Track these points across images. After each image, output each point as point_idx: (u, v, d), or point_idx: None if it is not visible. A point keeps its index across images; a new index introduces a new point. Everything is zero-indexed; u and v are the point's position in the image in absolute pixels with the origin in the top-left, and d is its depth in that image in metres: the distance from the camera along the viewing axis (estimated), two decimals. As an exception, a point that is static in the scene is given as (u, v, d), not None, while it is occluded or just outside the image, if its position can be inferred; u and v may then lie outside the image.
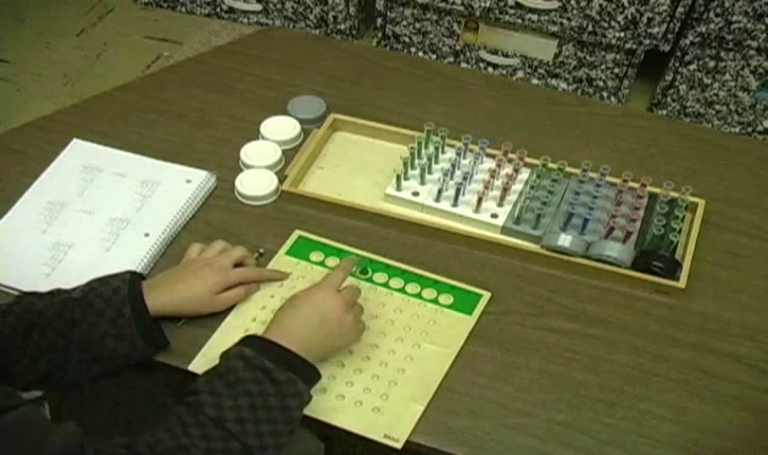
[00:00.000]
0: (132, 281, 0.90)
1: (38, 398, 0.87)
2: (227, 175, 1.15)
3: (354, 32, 2.44)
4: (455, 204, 1.10)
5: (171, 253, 1.05)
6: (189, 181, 1.13)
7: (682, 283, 1.02)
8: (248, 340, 0.84)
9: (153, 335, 0.89)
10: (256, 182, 1.13)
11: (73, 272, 1.00)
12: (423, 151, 1.16)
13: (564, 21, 2.13)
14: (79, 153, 1.18)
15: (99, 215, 1.09)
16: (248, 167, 1.16)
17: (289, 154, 1.19)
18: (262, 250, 1.05)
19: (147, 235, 1.06)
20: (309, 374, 0.84)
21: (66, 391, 0.91)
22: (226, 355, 0.83)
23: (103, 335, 0.86)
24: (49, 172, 1.15)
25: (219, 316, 0.97)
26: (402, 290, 1.02)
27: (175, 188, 1.12)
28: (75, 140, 1.20)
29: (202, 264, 0.96)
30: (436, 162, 1.16)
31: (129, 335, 0.87)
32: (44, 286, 0.92)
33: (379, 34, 2.38)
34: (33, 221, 1.08)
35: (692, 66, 2.12)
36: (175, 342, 0.94)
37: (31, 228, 1.07)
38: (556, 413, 0.90)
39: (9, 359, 0.84)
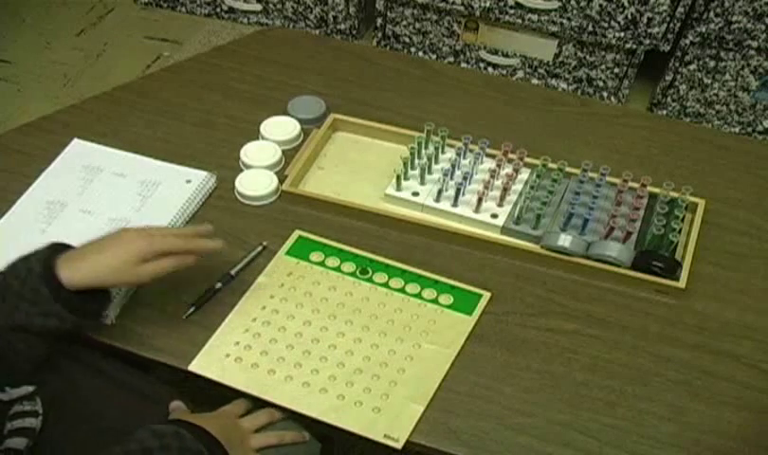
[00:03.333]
0: (48, 257, 0.85)
1: (30, 394, 0.86)
2: (227, 175, 1.15)
3: (354, 32, 2.44)
4: (455, 204, 1.10)
5: (171, 253, 1.05)
6: (189, 181, 1.13)
7: (682, 283, 1.02)
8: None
9: (78, 307, 0.86)
10: (256, 182, 1.13)
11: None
12: (423, 151, 1.16)
13: (564, 21, 2.13)
14: (79, 153, 1.18)
15: (98, 215, 1.09)
16: (248, 167, 1.16)
17: (289, 155, 1.19)
18: (265, 243, 1.05)
19: (147, 235, 1.06)
20: None
21: (45, 380, 0.89)
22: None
23: (27, 314, 0.84)
24: (49, 172, 1.15)
25: (219, 315, 0.97)
26: (402, 290, 1.02)
27: (175, 188, 1.12)
28: (75, 140, 1.20)
29: (125, 230, 0.90)
30: (436, 162, 1.16)
31: (54, 310, 0.84)
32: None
33: (379, 34, 2.37)
34: (33, 220, 1.08)
35: (692, 66, 2.11)
36: (175, 342, 0.94)
37: (31, 228, 1.07)
38: (556, 413, 0.90)
39: None
